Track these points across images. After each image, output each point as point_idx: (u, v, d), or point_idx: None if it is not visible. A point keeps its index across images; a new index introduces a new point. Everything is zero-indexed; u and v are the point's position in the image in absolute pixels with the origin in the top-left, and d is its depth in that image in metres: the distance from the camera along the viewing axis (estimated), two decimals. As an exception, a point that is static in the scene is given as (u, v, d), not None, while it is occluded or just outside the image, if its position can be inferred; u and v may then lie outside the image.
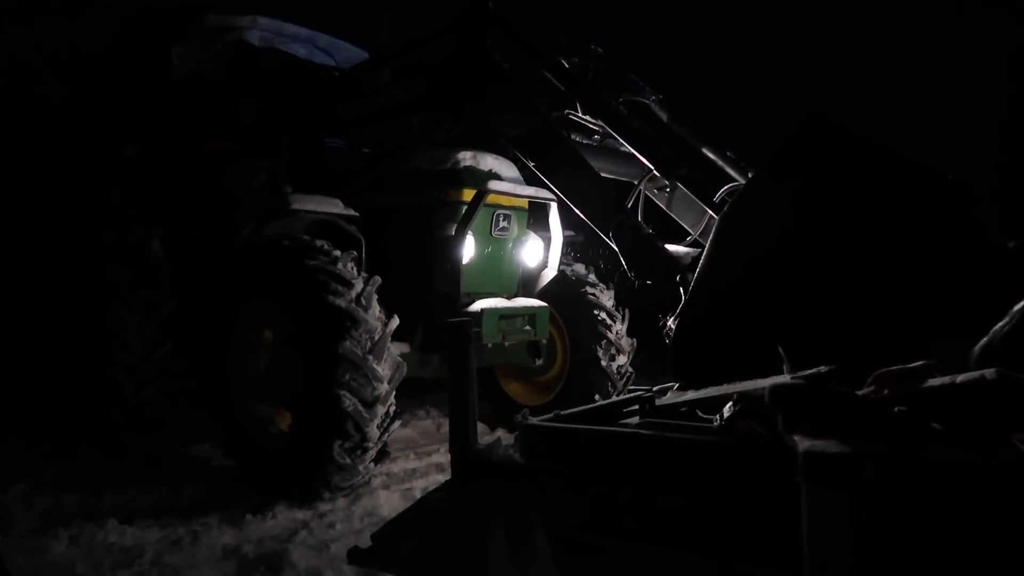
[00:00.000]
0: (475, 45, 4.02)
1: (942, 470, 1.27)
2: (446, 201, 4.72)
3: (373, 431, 3.81)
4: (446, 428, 5.55)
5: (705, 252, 2.34)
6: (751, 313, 2.14)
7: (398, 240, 4.81)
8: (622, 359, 5.53)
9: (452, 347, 2.10)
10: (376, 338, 3.85)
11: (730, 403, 1.75)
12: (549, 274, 5.24)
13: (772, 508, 1.44)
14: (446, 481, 2.15)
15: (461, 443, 2.05)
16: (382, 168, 5.06)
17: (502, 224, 4.94)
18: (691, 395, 2.02)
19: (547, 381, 5.80)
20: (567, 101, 3.86)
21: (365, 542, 2.22)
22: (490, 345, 4.63)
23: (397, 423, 4.03)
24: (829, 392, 1.57)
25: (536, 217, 5.32)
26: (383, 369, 3.85)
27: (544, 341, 5.18)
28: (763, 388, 1.53)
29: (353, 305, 3.85)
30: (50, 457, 4.62)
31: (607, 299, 5.64)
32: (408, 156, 4.96)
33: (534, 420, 1.96)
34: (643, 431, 1.77)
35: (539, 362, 5.42)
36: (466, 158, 4.81)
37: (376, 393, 3.80)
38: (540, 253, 5.25)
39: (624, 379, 5.54)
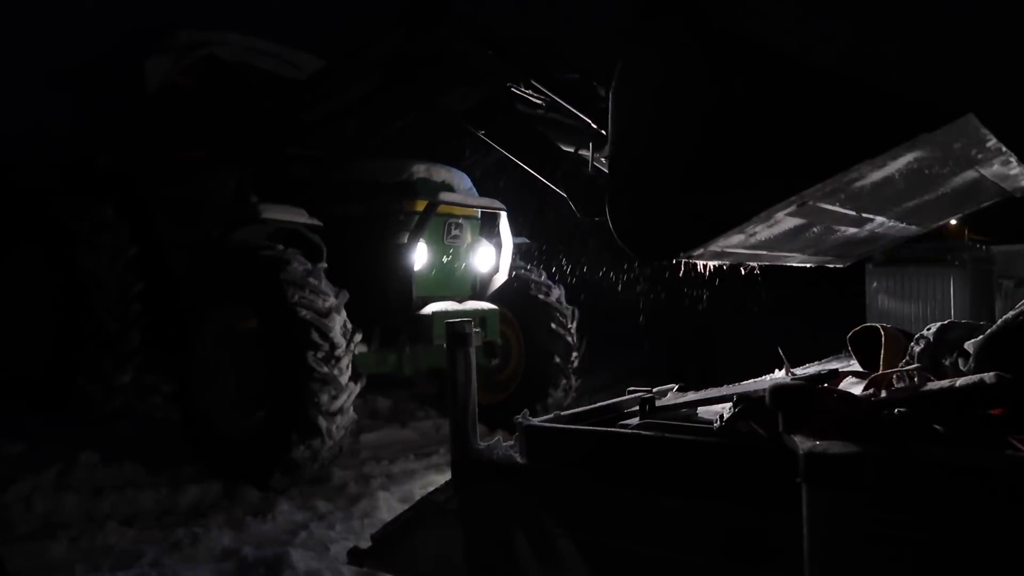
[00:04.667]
0: (424, 31, 4.20)
1: (942, 471, 1.28)
2: (401, 211, 4.98)
3: (338, 386, 4.10)
4: (445, 429, 5.58)
5: (609, 133, 2.37)
6: (663, 176, 2.16)
7: (356, 247, 5.02)
8: (574, 354, 5.89)
9: (451, 348, 2.12)
10: (328, 304, 4.17)
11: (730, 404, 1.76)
12: (500, 279, 5.48)
13: (772, 508, 1.45)
14: (446, 481, 2.15)
15: (461, 443, 2.05)
16: (340, 175, 5.29)
17: (454, 232, 5.20)
18: (691, 396, 2.03)
19: (504, 380, 6.06)
20: (511, 77, 4.00)
21: (365, 543, 2.22)
22: (444, 346, 4.79)
23: (357, 387, 4.28)
24: (829, 394, 1.58)
25: (488, 225, 5.54)
26: (336, 336, 4.14)
27: (499, 342, 5.54)
28: (763, 389, 1.54)
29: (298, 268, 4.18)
30: (50, 458, 4.61)
31: (556, 298, 5.92)
32: (366, 167, 5.21)
33: (534, 420, 1.96)
34: (644, 432, 1.77)
35: (495, 362, 5.83)
36: (420, 170, 5.08)
37: (336, 353, 4.10)
38: (492, 259, 5.49)
39: (574, 373, 5.91)
